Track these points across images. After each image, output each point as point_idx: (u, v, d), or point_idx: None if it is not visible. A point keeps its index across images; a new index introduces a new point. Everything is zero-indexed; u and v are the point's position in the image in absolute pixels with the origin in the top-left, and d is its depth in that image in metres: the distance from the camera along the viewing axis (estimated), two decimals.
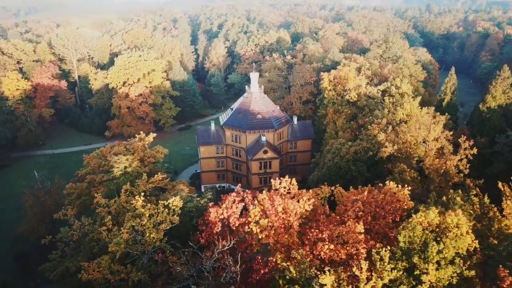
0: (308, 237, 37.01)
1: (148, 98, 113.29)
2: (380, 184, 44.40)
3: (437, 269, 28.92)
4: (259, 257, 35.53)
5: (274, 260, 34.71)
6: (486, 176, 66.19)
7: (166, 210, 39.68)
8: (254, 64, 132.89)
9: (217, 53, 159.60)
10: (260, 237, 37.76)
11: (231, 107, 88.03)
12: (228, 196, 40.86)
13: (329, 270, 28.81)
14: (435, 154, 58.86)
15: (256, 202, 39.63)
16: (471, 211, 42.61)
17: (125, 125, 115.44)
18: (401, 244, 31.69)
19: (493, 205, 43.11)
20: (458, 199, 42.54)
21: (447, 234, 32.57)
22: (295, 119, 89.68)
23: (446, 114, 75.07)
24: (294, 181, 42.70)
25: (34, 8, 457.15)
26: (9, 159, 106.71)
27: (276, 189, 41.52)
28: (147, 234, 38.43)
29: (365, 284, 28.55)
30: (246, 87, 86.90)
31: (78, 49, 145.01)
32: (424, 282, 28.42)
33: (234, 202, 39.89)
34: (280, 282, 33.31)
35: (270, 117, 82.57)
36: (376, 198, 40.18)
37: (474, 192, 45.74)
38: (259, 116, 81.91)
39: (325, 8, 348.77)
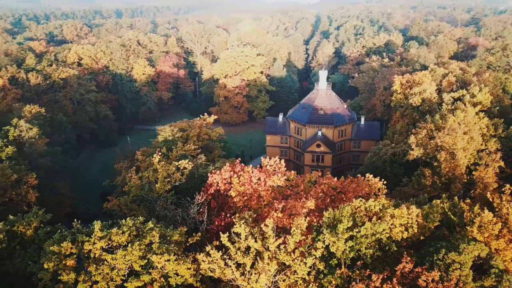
0: (274, 206, 43.21)
1: (243, 90, 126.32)
2: (359, 175, 47.13)
3: (334, 242, 32.70)
4: (223, 214, 43.24)
5: (232, 218, 41.98)
6: None
7: (174, 168, 50.09)
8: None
9: (324, 53, 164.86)
10: (235, 200, 45.25)
11: (299, 102, 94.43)
12: (224, 165, 49.23)
13: (244, 223, 35.13)
14: (465, 163, 56.66)
15: (241, 173, 47.11)
16: (452, 216, 42.88)
17: (223, 112, 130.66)
18: (324, 219, 35.84)
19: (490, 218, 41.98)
20: (439, 203, 43.16)
21: (372, 220, 35.43)
22: (362, 119, 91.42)
23: None
24: (282, 162, 48.76)
25: (192, 7, 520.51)
26: (131, 129, 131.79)
27: (262, 166, 48.28)
28: (158, 185, 49.44)
29: (274, 241, 34.15)
30: (315, 83, 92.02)
31: (202, 44, 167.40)
32: (318, 248, 32.61)
33: (226, 171, 48.05)
34: (233, 234, 40.60)
35: (331, 114, 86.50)
36: (344, 185, 43.61)
37: (469, 201, 45.06)
38: (321, 112, 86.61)
39: (472, 11, 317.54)
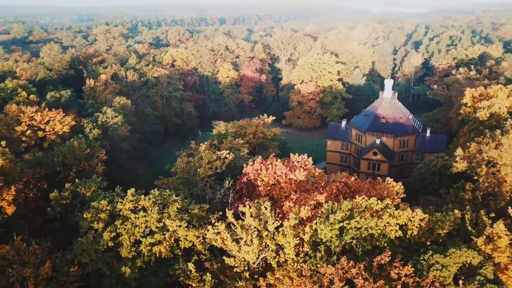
0: (290, 197, 47.11)
1: (316, 96, 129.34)
2: (379, 178, 48.18)
3: (322, 229, 35.56)
4: (245, 199, 48.13)
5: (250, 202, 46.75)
6: None
7: (215, 157, 56.49)
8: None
9: (410, 64, 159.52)
10: (260, 189, 49.94)
11: (363, 109, 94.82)
12: (257, 159, 54.31)
13: (248, 205, 39.56)
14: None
15: (269, 166, 51.62)
16: (470, 227, 42.44)
17: (296, 117, 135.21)
18: (323, 210, 38.72)
19: (499, 231, 40.83)
20: (457, 212, 42.99)
21: (366, 215, 37.42)
22: (427, 131, 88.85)
23: None
24: (310, 159, 52.17)
25: (293, 15, 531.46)
26: (212, 127, 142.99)
27: (290, 162, 52.28)
28: (201, 170, 56.30)
29: (273, 223, 38.15)
30: (380, 92, 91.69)
31: (288, 51, 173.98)
32: (307, 232, 35.79)
33: (257, 163, 52.98)
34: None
35: (393, 123, 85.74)
36: (360, 185, 45.37)
37: (493, 215, 43.90)
38: (383, 120, 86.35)
39: None
